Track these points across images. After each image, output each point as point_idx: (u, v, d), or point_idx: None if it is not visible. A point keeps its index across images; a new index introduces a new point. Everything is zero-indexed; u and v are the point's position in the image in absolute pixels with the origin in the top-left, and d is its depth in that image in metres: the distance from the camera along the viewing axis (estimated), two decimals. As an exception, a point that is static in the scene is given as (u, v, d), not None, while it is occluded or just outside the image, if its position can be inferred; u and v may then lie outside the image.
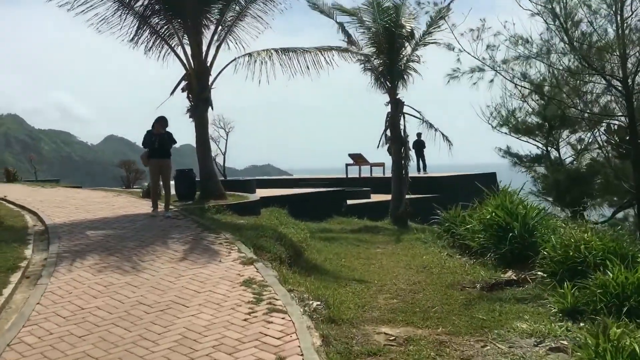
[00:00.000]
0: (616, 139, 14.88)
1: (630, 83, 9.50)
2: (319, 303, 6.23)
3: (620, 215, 21.03)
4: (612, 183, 16.77)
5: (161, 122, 11.39)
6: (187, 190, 13.25)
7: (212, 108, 13.78)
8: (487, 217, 9.39)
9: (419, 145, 24.89)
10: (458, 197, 19.10)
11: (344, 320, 5.99)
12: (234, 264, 7.48)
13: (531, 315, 6.12)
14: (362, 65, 17.71)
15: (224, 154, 17.97)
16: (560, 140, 20.69)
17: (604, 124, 15.28)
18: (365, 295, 7.51)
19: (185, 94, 13.69)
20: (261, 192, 17.37)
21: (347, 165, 25.05)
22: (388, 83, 17.69)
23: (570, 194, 17.03)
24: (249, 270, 7.18)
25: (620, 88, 9.56)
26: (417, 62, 17.45)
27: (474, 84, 13.24)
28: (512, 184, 23.61)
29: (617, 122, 14.03)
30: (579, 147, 19.93)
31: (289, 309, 5.65)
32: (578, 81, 10.73)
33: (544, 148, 20.94)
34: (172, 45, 13.64)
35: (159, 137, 11.28)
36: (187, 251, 8.12)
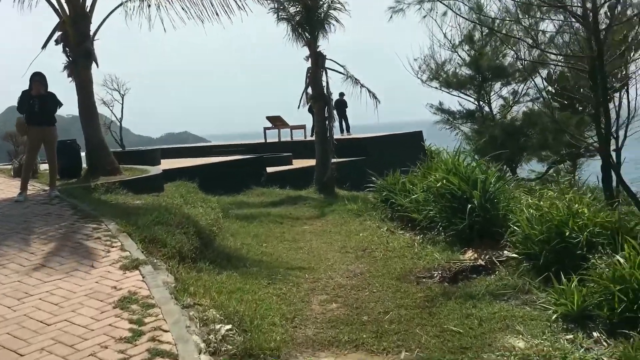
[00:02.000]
0: (557, 87, 13.78)
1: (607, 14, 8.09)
2: (229, 327, 4.32)
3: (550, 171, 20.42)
4: (550, 136, 15.82)
5: (40, 79, 8.97)
6: (70, 165, 10.82)
7: (97, 64, 11.31)
8: (437, 184, 7.74)
9: (341, 105, 23.27)
10: (385, 159, 17.61)
11: (267, 351, 4.13)
12: (111, 269, 5.40)
13: (523, 322, 4.50)
14: (276, 14, 15.54)
15: (120, 121, 15.32)
16: (491, 94, 19.59)
17: (543, 71, 14.15)
18: (295, 298, 5.68)
19: (61, 47, 11.16)
20: (170, 163, 15.11)
21: (265, 129, 22.97)
22: (307, 34, 15.66)
23: (505, 150, 15.89)
24: (132, 278, 5.13)
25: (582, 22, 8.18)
26: (340, 9, 15.46)
27: (424, 17, 11.39)
28: (438, 142, 22.39)
29: (561, 68, 12.87)
30: (511, 100, 18.90)
31: (181, 348, 3.71)
32: (531, 19, 9.33)
33: (476, 102, 19.76)
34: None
35: (39, 98, 8.92)
36: (48, 253, 5.92)
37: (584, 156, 19.40)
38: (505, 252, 6.32)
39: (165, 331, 3.98)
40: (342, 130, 23.75)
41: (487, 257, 6.36)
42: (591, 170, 18.43)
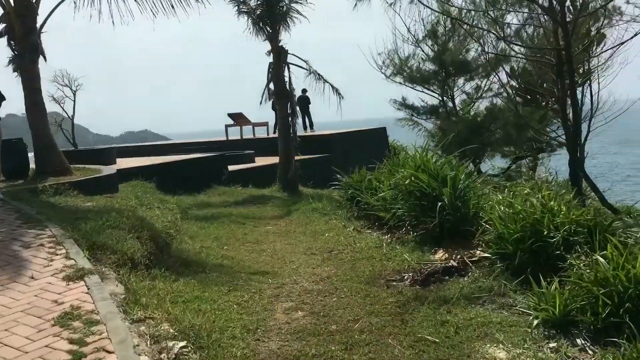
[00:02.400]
0: (520, 82, 13.71)
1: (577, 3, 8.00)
2: (184, 344, 3.90)
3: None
4: (513, 131, 15.80)
5: None
6: (16, 166, 10.17)
7: (45, 59, 10.69)
8: (405, 182, 7.43)
9: (304, 102, 22.92)
10: (350, 156, 17.29)
11: (226, 370, 3.74)
12: (54, 280, 4.89)
13: (502, 329, 4.21)
14: (237, 7, 15.07)
15: (72, 118, 14.59)
16: (455, 89, 19.50)
17: (506, 66, 14.06)
18: (257, 306, 5.28)
19: (5, 40, 10.50)
20: (127, 162, 14.51)
21: (226, 126, 22.41)
22: (268, 28, 15.24)
23: (471, 146, 15.77)
24: (76, 290, 4.64)
25: (551, 14, 8.00)
26: (302, 3, 15.07)
27: (390, 5, 11.03)
28: (400, 139, 22.08)
29: (524, 62, 12.77)
30: (475, 95, 18.86)
31: (127, 373, 3.28)
32: (497, 11, 9.13)
33: (440, 98, 19.64)
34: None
35: None
36: (-17, 263, 5.37)
37: (545, 151, 19.53)
38: (478, 251, 6.06)
39: (110, 352, 3.54)
40: (305, 127, 23.40)
41: (458, 257, 6.08)
42: (551, 165, 18.57)
